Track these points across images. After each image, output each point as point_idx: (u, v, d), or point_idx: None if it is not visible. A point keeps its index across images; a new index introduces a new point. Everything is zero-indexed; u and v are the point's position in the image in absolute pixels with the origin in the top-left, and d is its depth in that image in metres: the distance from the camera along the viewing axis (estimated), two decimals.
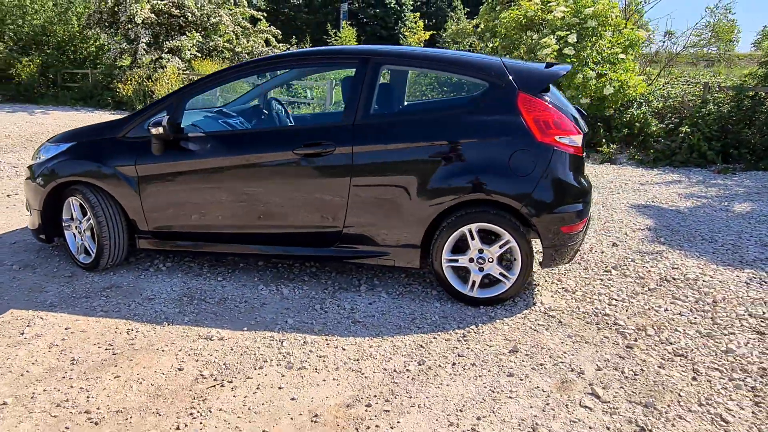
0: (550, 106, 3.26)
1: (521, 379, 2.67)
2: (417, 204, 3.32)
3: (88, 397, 2.48)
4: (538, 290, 3.67)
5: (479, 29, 11.40)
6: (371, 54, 3.47)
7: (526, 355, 2.88)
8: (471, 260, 3.38)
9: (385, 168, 3.34)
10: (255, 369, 2.73)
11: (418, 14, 34.73)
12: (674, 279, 3.89)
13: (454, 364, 2.79)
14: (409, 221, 3.36)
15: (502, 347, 2.95)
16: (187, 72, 14.84)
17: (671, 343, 3.00)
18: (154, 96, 13.85)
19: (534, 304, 3.47)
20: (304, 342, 2.98)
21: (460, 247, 3.39)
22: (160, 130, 3.36)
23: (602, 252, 4.42)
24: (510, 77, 3.29)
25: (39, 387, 2.55)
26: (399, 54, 3.60)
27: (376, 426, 2.32)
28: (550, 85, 3.55)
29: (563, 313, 3.36)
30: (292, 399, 2.50)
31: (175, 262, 4.02)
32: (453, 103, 3.72)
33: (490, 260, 3.35)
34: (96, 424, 2.32)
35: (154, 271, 3.88)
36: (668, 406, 2.47)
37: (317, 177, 3.40)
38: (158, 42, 15.47)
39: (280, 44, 17.94)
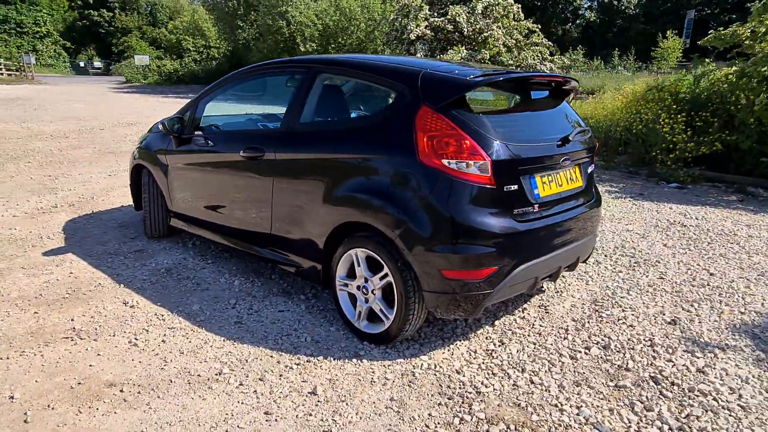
0: (454, 122, 2.69)
1: (267, 420, 2.38)
2: (315, 218, 3.16)
3: (1, 320, 3.26)
4: (458, 345, 3.04)
5: (755, 33, 8.89)
6: (312, 63, 3.41)
7: (317, 402, 2.52)
8: (358, 288, 3.05)
9: (295, 178, 3.27)
10: (109, 335, 3.10)
11: None
12: (672, 384, 2.70)
13: (242, 384, 2.65)
14: (311, 234, 3.22)
15: (311, 386, 2.63)
16: None
17: None
18: None
19: (421, 355, 2.91)
20: (171, 327, 3.21)
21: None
22: (160, 126, 3.99)
23: (629, 326, 3.30)
24: (419, 87, 2.83)
25: None
26: (334, 62, 3.40)
27: (97, 408, 2.45)
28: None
29: (436, 376, 2.74)
30: (90, 365, 2.80)
31: (203, 242, 4.65)
32: (365, 115, 3.31)
33: (373, 292, 2.97)
34: None
35: (181, 245, 4.59)
36: None
37: (254, 179, 3.53)
38: (434, 56, 16.72)
39: (555, 56, 17.22)
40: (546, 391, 2.63)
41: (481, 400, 2.54)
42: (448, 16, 16.13)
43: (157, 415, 2.41)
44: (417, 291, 2.78)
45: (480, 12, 16.30)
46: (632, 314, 3.48)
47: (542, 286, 3.88)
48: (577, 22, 46.61)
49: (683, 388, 2.66)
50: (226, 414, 2.42)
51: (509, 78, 2.95)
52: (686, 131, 8.22)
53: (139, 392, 2.58)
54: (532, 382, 2.70)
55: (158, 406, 2.48)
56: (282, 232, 3.43)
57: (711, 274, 4.23)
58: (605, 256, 4.59)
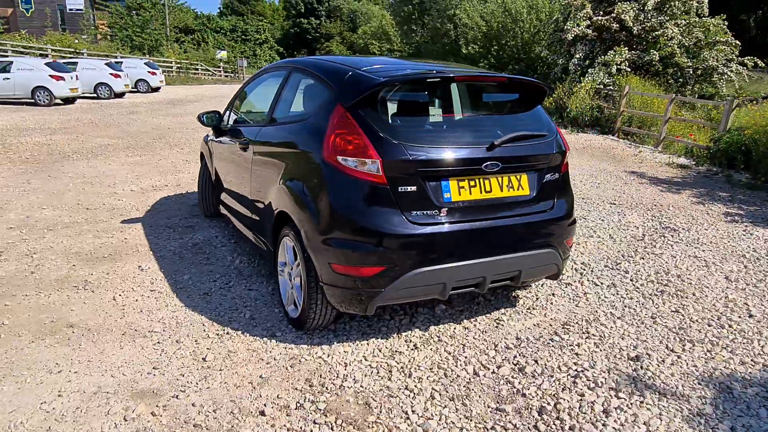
0: (356, 121, 2.75)
1: (149, 373, 2.72)
2: (268, 205, 3.42)
3: (45, 267, 4.10)
4: (371, 341, 3.07)
5: None
6: (288, 64, 3.69)
7: (200, 367, 2.79)
8: (288, 274, 3.25)
9: (258, 167, 3.57)
10: (104, 290, 3.70)
11: None
12: (557, 419, 2.44)
13: (159, 342, 3.03)
14: (267, 221, 3.48)
15: (205, 354, 2.91)
16: (609, 87, 14.48)
17: None
18: (567, 110, 14.31)
19: (325, 345, 3.00)
20: (153, 290, 3.71)
21: None
22: (197, 119, 4.58)
23: (574, 354, 2.98)
24: (341, 86, 2.93)
25: (38, 253, 4.33)
26: (301, 63, 3.55)
27: (45, 341, 3.02)
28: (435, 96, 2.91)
29: (319, 365, 2.83)
30: (71, 310, 3.40)
31: None
32: (306, 111, 3.34)
33: (295, 279, 3.14)
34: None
35: (223, 225, 5.17)
36: None
37: (243, 168, 3.90)
38: (594, 57, 15.62)
39: (745, 57, 14.79)
40: (412, 398, 2.56)
41: (337, 393, 2.58)
42: (614, 14, 14.89)
43: (78, 353, 2.90)
44: (317, 282, 2.89)
45: (651, 8, 14.76)
46: (593, 343, 3.12)
47: (515, 296, 3.64)
48: None
49: (564, 426, 2.38)
50: (124, 362, 2.82)
51: (435, 77, 2.88)
52: None
53: (82, 335, 3.11)
54: (406, 387, 2.64)
55: (86, 347, 2.98)
56: (256, 217, 3.76)
57: (750, 316, 3.54)
58: (630, 279, 4.08)
